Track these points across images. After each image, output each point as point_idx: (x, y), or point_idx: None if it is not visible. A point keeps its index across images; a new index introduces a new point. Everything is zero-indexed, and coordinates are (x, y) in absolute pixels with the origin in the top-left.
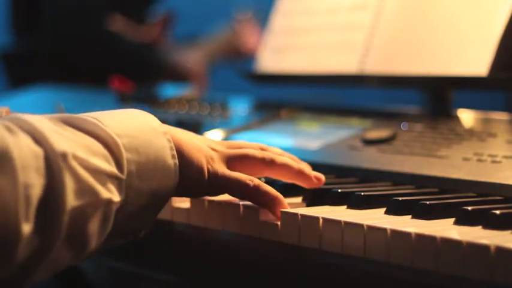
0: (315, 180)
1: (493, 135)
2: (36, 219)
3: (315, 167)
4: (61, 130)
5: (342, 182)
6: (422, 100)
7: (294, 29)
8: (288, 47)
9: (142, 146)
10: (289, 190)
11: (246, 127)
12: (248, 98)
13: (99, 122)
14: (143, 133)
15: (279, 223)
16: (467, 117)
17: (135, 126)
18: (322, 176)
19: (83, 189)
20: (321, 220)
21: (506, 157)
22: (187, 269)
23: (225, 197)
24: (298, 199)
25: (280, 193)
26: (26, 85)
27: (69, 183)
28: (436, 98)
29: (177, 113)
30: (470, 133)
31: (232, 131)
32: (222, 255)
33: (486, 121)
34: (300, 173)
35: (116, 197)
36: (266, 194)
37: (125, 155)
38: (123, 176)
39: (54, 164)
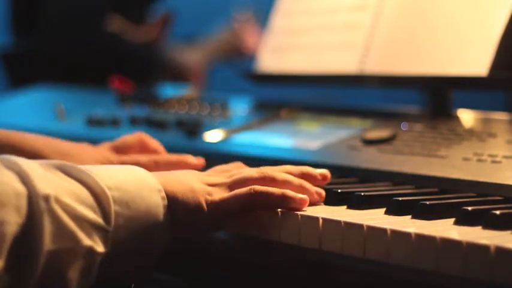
0: (316, 196)
1: (493, 135)
2: (9, 257)
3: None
4: (50, 174)
5: (342, 182)
6: (422, 100)
7: (294, 29)
8: (288, 47)
9: (134, 201)
10: None
11: (246, 127)
12: (248, 98)
13: (92, 172)
14: (136, 188)
15: (279, 223)
16: (467, 117)
17: (129, 181)
18: (322, 192)
19: (63, 233)
20: (320, 220)
21: (506, 157)
22: (187, 269)
23: None
24: None
25: None
26: (26, 85)
27: (48, 225)
28: (436, 98)
29: (177, 113)
30: (470, 133)
31: (232, 131)
32: (222, 255)
33: (486, 121)
34: (301, 188)
35: (100, 248)
36: (272, 194)
37: (114, 208)
38: (109, 228)
39: (35, 205)
